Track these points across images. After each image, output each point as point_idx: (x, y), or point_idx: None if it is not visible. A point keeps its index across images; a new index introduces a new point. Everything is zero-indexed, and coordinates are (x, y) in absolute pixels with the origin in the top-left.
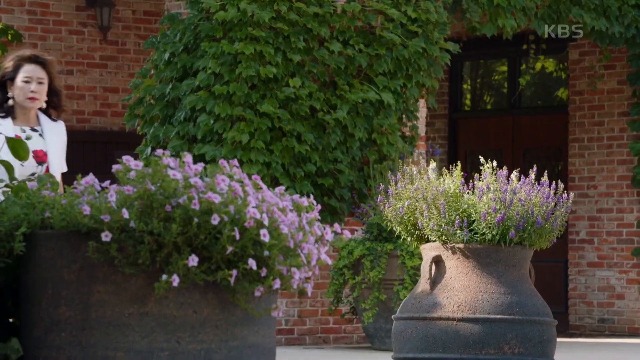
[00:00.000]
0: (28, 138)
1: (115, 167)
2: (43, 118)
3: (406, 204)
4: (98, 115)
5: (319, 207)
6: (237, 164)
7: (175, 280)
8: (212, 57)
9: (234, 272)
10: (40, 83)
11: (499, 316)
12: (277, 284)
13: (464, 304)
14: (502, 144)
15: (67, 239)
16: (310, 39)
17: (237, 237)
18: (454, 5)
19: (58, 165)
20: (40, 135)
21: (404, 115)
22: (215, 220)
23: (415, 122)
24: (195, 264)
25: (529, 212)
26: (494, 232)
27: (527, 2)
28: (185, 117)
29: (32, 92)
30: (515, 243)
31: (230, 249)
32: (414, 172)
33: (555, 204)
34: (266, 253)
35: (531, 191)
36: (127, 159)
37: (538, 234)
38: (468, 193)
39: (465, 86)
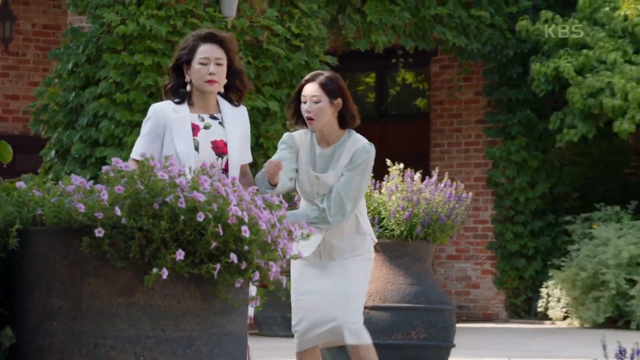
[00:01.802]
0: (207, 127)
1: (104, 169)
2: (223, 104)
3: None
4: (0, 121)
5: (286, 204)
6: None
7: (165, 273)
8: (113, 68)
9: (218, 265)
10: (218, 64)
11: (406, 305)
12: (256, 276)
13: (374, 294)
14: None
15: (59, 235)
16: None
17: (221, 233)
18: (332, 22)
19: (239, 156)
20: (221, 123)
21: (287, 122)
22: (200, 217)
23: (297, 128)
24: (182, 258)
25: (433, 210)
26: (402, 228)
27: (396, 21)
28: (88, 123)
29: (210, 74)
30: (421, 238)
31: (214, 244)
32: None
33: (455, 203)
34: (246, 248)
35: (435, 191)
36: (116, 161)
37: (441, 229)
38: (377, 193)
39: None
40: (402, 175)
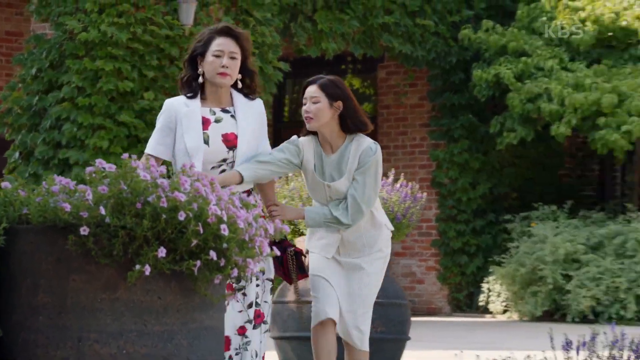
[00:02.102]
0: (218, 120)
1: (88, 170)
2: (237, 97)
3: (284, 202)
4: None
5: (261, 204)
6: None
7: (148, 269)
8: (76, 73)
9: (198, 262)
10: (232, 58)
11: None
12: (234, 272)
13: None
14: None
15: (45, 234)
16: (162, 57)
17: (201, 231)
18: (284, 30)
19: (248, 148)
20: (233, 116)
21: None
22: (181, 216)
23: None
24: (164, 255)
25: (390, 210)
26: None
27: (345, 29)
28: (51, 126)
29: (223, 67)
30: None
31: (194, 242)
32: (290, 174)
33: (411, 202)
34: (225, 245)
35: (391, 191)
36: (99, 162)
37: (397, 228)
38: None
39: (286, 100)
40: None
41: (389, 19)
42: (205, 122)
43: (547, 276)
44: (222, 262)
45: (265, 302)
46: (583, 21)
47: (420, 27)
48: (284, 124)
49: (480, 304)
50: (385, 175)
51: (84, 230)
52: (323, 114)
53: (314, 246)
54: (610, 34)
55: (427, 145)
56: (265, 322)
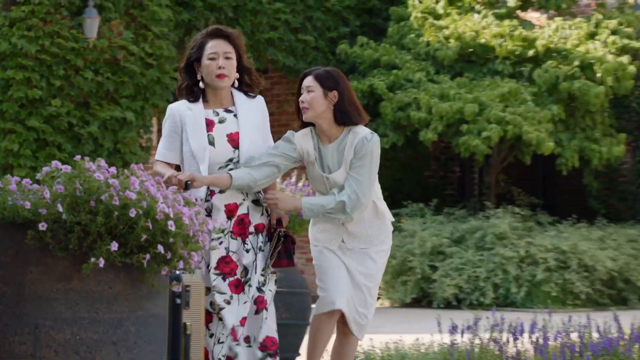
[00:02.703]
0: (221, 121)
1: (45, 170)
2: (238, 96)
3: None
4: None
5: (201, 202)
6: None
7: (102, 262)
8: None
9: (147, 255)
10: (227, 58)
11: None
12: (180, 265)
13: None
14: None
15: (5, 229)
16: (69, 67)
17: (150, 227)
18: (180, 43)
19: (251, 147)
20: (235, 115)
21: (141, 130)
22: (132, 213)
23: (150, 135)
24: (116, 249)
25: None
26: None
27: None
28: None
29: (219, 68)
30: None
31: (144, 236)
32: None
33: None
34: (171, 240)
35: (295, 190)
36: (55, 163)
37: (299, 224)
38: None
39: None
40: None
41: (274, 35)
42: (210, 124)
43: (416, 267)
44: (169, 255)
45: (270, 290)
46: (447, 38)
47: (302, 42)
48: None
49: None
50: (288, 175)
51: (42, 226)
52: (318, 103)
53: (317, 238)
54: (471, 50)
55: None
56: (266, 309)
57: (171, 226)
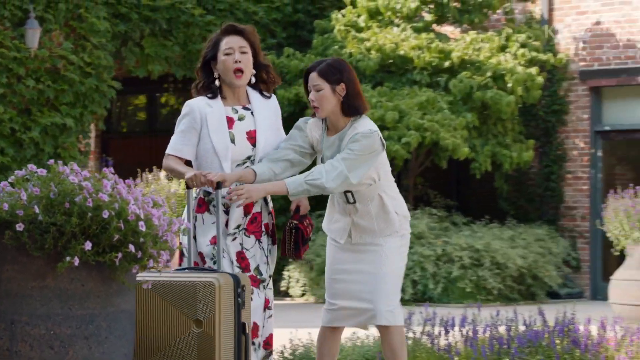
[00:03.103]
0: (241, 118)
1: (19, 173)
2: (253, 94)
3: None
4: None
5: (165, 203)
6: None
7: (77, 261)
8: None
9: (119, 254)
10: (243, 52)
11: None
12: (150, 263)
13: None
14: (142, 158)
15: None
16: (11, 76)
17: (122, 227)
18: (116, 53)
19: (266, 144)
20: (252, 113)
21: (80, 135)
22: (105, 214)
23: (88, 141)
24: (90, 248)
25: None
26: None
27: (168, 53)
28: None
29: (236, 62)
30: None
31: (116, 237)
32: (149, 178)
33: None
34: (142, 240)
35: None
36: (31, 167)
37: None
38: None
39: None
40: None
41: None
42: (230, 121)
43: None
44: (139, 254)
45: (271, 288)
46: (368, 50)
47: None
48: (112, 134)
49: (282, 288)
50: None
51: (19, 227)
52: (328, 101)
53: (329, 230)
54: (391, 61)
55: None
56: (269, 308)
57: (142, 226)
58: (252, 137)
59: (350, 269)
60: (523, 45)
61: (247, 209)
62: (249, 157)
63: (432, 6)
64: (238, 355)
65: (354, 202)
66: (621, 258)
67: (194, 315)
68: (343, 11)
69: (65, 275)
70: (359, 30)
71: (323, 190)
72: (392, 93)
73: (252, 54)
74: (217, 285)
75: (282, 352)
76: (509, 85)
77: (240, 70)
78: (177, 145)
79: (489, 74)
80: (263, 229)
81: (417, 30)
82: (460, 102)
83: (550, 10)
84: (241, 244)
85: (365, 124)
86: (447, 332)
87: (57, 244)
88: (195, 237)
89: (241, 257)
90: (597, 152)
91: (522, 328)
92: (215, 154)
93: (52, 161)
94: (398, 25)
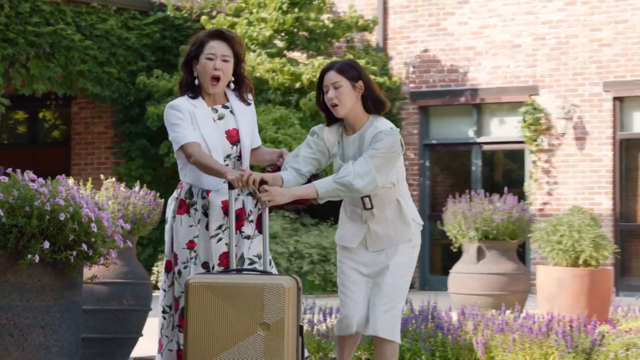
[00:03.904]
0: (220, 117)
1: None
2: (231, 95)
3: None
4: None
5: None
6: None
7: (37, 258)
8: None
9: (74, 252)
10: (224, 60)
11: (120, 280)
12: (101, 260)
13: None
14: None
15: None
16: None
17: (77, 228)
18: (4, 74)
19: (250, 143)
20: (232, 112)
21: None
22: (62, 217)
23: None
24: (48, 247)
25: (138, 211)
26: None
27: (51, 74)
28: None
29: (215, 69)
30: (130, 232)
31: (71, 237)
32: None
33: (153, 206)
34: (93, 240)
35: (138, 198)
36: None
37: (143, 225)
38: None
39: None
40: (114, 186)
41: (84, 67)
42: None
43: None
44: (91, 253)
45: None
46: None
47: (107, 74)
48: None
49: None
50: (130, 187)
51: None
52: (348, 97)
53: (340, 237)
54: None
55: (110, 163)
56: None
57: (94, 228)
58: (231, 136)
59: (359, 281)
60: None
61: (227, 208)
62: (228, 156)
63: (283, 34)
64: (296, 356)
65: (371, 207)
66: (457, 254)
67: (260, 319)
68: None
69: (24, 271)
70: None
71: (351, 189)
72: None
73: (234, 62)
74: (287, 287)
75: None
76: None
77: (217, 79)
78: (189, 132)
79: None
80: (251, 219)
81: (271, 56)
82: (309, 118)
83: (385, 39)
84: (227, 244)
85: (385, 123)
86: (325, 319)
87: (18, 244)
88: (172, 237)
89: (227, 257)
90: (425, 163)
91: None
92: (207, 148)
93: (18, 170)
94: (254, 51)
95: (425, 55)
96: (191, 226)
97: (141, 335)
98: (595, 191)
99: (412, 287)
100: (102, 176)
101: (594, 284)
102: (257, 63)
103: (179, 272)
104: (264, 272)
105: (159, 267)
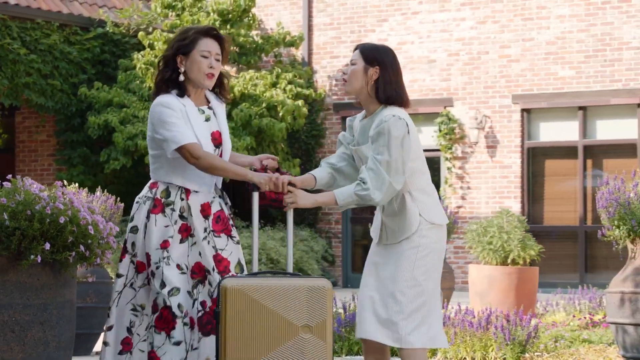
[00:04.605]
0: (207, 119)
1: None
2: (210, 95)
3: None
4: None
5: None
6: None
7: (39, 259)
8: None
9: (73, 253)
10: (217, 60)
11: (84, 279)
12: (97, 261)
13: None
14: None
15: None
16: None
17: (75, 230)
18: None
19: (229, 146)
20: (214, 114)
21: None
22: (61, 220)
23: None
24: (48, 248)
25: (102, 216)
26: None
27: None
28: None
29: (210, 67)
30: None
31: (70, 239)
32: None
33: (113, 211)
34: (90, 242)
35: (99, 202)
36: None
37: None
38: None
39: None
40: (78, 191)
41: (29, 79)
42: None
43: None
44: (87, 254)
45: None
46: None
47: (51, 86)
48: None
49: None
50: (93, 192)
51: None
52: (355, 77)
53: (371, 230)
54: None
55: (53, 169)
56: None
57: (91, 230)
58: (215, 138)
59: (369, 283)
60: (290, 82)
61: (206, 212)
62: None
63: None
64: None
65: None
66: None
67: (302, 321)
68: (142, 52)
69: (24, 271)
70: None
71: (371, 202)
72: None
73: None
74: (327, 289)
75: None
76: (281, 114)
77: (213, 76)
78: (188, 132)
79: (264, 105)
80: (231, 222)
81: None
82: (241, 127)
83: (310, 54)
84: (214, 247)
85: (392, 110)
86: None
87: (20, 245)
88: (144, 237)
89: (217, 259)
90: None
91: None
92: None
93: (18, 177)
94: None
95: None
96: (167, 226)
97: (103, 330)
98: (505, 195)
99: (335, 285)
100: (58, 183)
101: (521, 281)
102: None
103: (152, 273)
104: (294, 274)
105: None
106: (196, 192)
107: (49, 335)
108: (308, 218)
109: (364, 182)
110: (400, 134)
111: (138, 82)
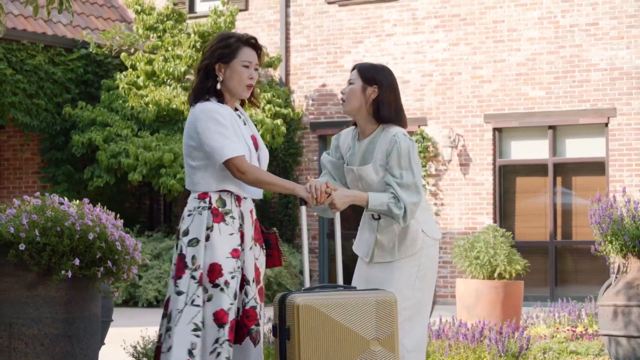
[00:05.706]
0: (244, 124)
1: (16, 202)
2: (237, 104)
3: None
4: None
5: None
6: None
7: (70, 274)
8: None
9: (101, 269)
10: (256, 69)
11: None
12: (124, 277)
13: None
14: None
15: None
16: None
17: (104, 246)
18: None
19: (266, 150)
20: (245, 119)
21: None
22: (90, 236)
23: None
24: (78, 264)
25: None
26: None
27: None
28: None
29: (251, 78)
30: None
31: (99, 254)
32: None
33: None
34: (117, 257)
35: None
36: (26, 197)
37: None
38: None
39: None
40: None
41: (14, 99)
42: None
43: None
44: (115, 269)
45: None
46: (147, 104)
47: (36, 105)
48: None
49: None
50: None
51: (21, 247)
52: (353, 96)
53: (356, 248)
54: (165, 112)
55: (37, 187)
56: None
57: (118, 246)
58: (252, 142)
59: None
60: (269, 102)
61: (252, 219)
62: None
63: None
64: None
65: (379, 217)
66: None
67: (372, 334)
68: (125, 73)
69: (53, 286)
70: (139, 88)
71: (397, 220)
72: (167, 138)
73: None
74: (394, 302)
75: (135, 347)
76: (260, 133)
77: (252, 87)
78: (236, 145)
79: None
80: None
81: (186, 89)
82: None
83: (287, 75)
84: (254, 256)
85: (397, 129)
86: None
87: (50, 260)
88: (205, 248)
89: (255, 269)
90: None
91: None
92: (251, 157)
93: (45, 194)
94: (170, 85)
95: (324, 89)
96: (232, 234)
97: (103, 344)
98: (478, 212)
99: None
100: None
101: (507, 295)
102: (173, 96)
103: (226, 283)
104: (350, 287)
105: None
106: (245, 198)
107: (76, 348)
108: (287, 234)
109: (397, 200)
110: (416, 154)
111: (121, 101)
